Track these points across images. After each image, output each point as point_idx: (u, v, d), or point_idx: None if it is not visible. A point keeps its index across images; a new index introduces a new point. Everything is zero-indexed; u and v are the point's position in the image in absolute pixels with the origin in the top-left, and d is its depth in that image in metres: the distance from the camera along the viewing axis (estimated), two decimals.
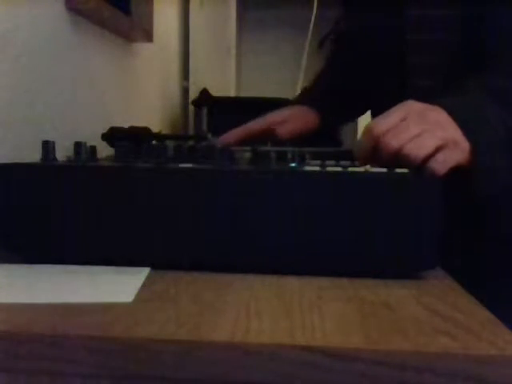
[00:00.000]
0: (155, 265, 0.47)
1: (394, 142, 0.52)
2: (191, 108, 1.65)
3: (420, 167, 0.52)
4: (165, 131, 1.32)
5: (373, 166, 0.50)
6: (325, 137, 0.88)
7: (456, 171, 0.53)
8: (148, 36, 1.20)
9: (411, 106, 0.55)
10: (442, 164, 0.52)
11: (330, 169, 0.47)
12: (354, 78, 0.88)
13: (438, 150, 0.52)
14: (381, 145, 0.52)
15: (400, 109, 0.54)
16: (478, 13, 0.64)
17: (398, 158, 0.52)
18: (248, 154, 0.57)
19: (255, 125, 0.81)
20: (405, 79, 0.72)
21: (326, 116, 0.86)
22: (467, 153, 0.54)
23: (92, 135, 0.83)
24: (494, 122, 0.56)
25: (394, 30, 0.72)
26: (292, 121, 0.82)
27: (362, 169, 0.48)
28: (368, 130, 0.54)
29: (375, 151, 0.53)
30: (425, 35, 0.70)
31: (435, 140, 0.52)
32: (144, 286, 0.43)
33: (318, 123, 0.86)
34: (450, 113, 0.54)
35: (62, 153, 0.53)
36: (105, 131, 0.85)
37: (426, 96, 0.57)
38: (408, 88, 0.70)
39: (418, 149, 0.51)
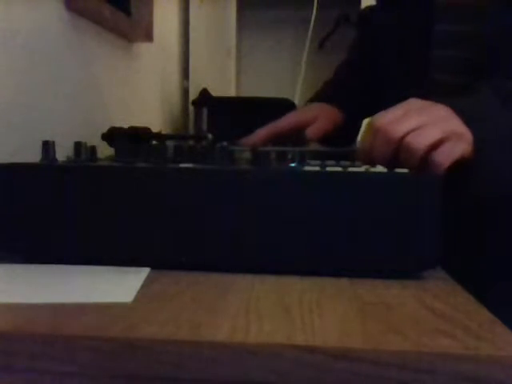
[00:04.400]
0: (155, 265, 0.47)
1: (394, 132, 0.51)
2: (191, 108, 1.65)
3: (422, 162, 0.51)
4: (165, 131, 1.31)
5: (373, 165, 0.50)
6: (346, 135, 0.84)
7: (458, 168, 0.52)
8: (148, 36, 1.20)
9: (414, 102, 0.54)
10: (445, 156, 0.51)
11: (329, 169, 0.47)
12: (372, 69, 0.85)
13: (441, 142, 0.52)
14: (381, 137, 0.52)
15: (402, 104, 0.54)
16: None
17: (399, 151, 0.51)
18: (248, 154, 0.57)
19: (282, 124, 0.77)
20: (427, 73, 0.71)
21: (351, 114, 0.83)
22: (471, 144, 0.53)
23: (92, 135, 0.83)
24: (498, 119, 0.55)
25: (417, 22, 0.71)
26: (319, 120, 0.78)
27: (362, 169, 0.48)
28: (369, 125, 0.54)
29: (376, 144, 0.53)
30: (453, 28, 0.68)
31: (438, 131, 0.51)
32: (144, 286, 0.42)
33: (342, 121, 0.82)
34: (453, 108, 0.54)
35: (62, 153, 0.53)
36: (105, 131, 0.85)
37: (447, 91, 0.56)
38: (429, 82, 0.69)
39: (421, 139, 0.51)
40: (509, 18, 0.63)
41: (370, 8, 0.90)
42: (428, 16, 0.69)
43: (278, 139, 0.75)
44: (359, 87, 0.87)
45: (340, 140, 0.81)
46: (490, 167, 0.54)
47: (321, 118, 0.79)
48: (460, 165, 0.53)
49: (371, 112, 0.95)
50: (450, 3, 0.69)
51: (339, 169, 0.47)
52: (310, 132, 0.77)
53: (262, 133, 0.76)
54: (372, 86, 0.84)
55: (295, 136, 0.77)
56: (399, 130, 0.51)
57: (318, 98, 0.86)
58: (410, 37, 0.73)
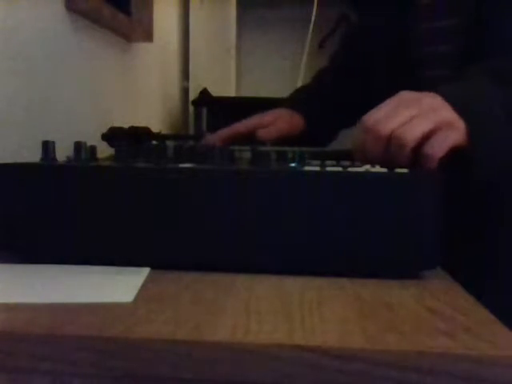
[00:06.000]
0: (155, 265, 0.47)
1: (384, 128, 0.51)
2: (191, 108, 1.65)
3: (415, 154, 0.51)
4: (165, 131, 1.31)
5: (373, 165, 0.50)
6: (311, 140, 0.87)
7: (454, 157, 0.52)
8: (148, 36, 1.20)
9: (403, 95, 0.54)
10: (438, 147, 0.51)
11: (329, 169, 0.47)
12: (352, 81, 0.88)
13: (432, 133, 0.51)
14: (372, 134, 0.52)
15: (392, 99, 0.54)
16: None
17: (390, 146, 0.51)
18: (248, 154, 0.57)
19: (240, 126, 0.82)
20: (413, 71, 0.71)
21: (312, 121, 0.87)
22: (463, 132, 0.53)
23: (92, 135, 0.83)
24: (490, 101, 0.55)
25: (403, 23, 0.72)
26: (277, 124, 0.83)
27: (362, 169, 0.48)
28: (360, 123, 0.54)
29: (368, 142, 0.53)
30: (437, 24, 0.69)
31: (428, 123, 0.51)
32: (144, 285, 0.42)
33: (302, 128, 0.86)
34: (444, 97, 0.53)
35: (62, 153, 0.53)
36: (105, 131, 0.85)
37: (436, 86, 0.56)
38: (417, 80, 0.70)
39: (410, 131, 0.51)
40: (490, 11, 0.64)
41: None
42: (409, 16, 0.71)
43: (235, 140, 0.80)
44: (336, 95, 0.90)
45: (306, 143, 0.83)
46: (486, 152, 0.54)
47: (278, 121, 0.83)
48: (455, 154, 0.52)
49: (350, 120, 0.97)
50: (432, 1, 0.70)
51: (339, 169, 0.47)
52: (261, 133, 0.81)
53: (223, 133, 0.81)
54: (357, 93, 0.86)
55: (252, 137, 0.81)
56: (388, 126, 0.51)
57: (286, 103, 0.90)
58: (396, 39, 0.74)
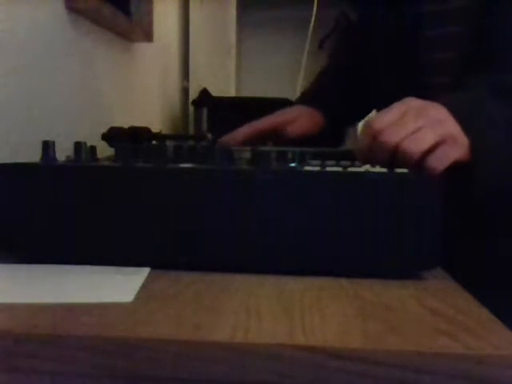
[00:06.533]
0: (155, 265, 0.47)
1: (391, 138, 0.52)
2: (191, 108, 1.65)
3: (419, 165, 0.52)
4: (165, 131, 1.32)
5: (373, 165, 0.50)
6: (329, 138, 0.86)
7: (455, 168, 0.53)
8: (148, 36, 1.20)
9: (410, 103, 0.55)
10: (440, 161, 0.52)
11: (329, 169, 0.47)
12: (359, 74, 0.87)
13: (436, 146, 0.52)
14: (379, 142, 0.53)
15: (399, 105, 0.55)
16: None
17: (396, 155, 0.52)
18: (248, 154, 0.57)
19: (262, 123, 0.79)
20: (416, 76, 0.71)
21: (331, 117, 0.85)
22: (466, 148, 0.53)
23: (92, 135, 0.83)
24: (494, 116, 0.56)
25: (406, 26, 0.72)
26: (300, 120, 0.81)
27: (362, 169, 0.48)
28: (367, 127, 0.54)
29: (374, 148, 0.53)
30: (439, 31, 0.69)
31: (433, 136, 0.52)
32: (144, 286, 0.42)
33: (323, 124, 0.84)
34: (449, 109, 0.54)
35: (62, 153, 0.53)
36: (105, 131, 0.85)
37: (438, 93, 0.56)
38: (419, 85, 0.70)
39: (416, 144, 0.51)
40: (490, 17, 0.64)
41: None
42: (414, 22, 0.71)
43: (257, 138, 0.77)
44: (346, 92, 0.89)
45: (323, 142, 0.83)
46: (488, 170, 0.55)
47: (301, 118, 0.81)
48: (457, 167, 0.53)
49: (357, 117, 0.97)
50: (436, 9, 0.70)
51: (339, 169, 0.47)
52: (290, 130, 0.79)
53: (242, 131, 0.78)
54: (361, 91, 0.86)
55: (275, 135, 0.79)
56: (396, 135, 0.52)
57: (302, 100, 0.89)
58: (397, 44, 0.73)
